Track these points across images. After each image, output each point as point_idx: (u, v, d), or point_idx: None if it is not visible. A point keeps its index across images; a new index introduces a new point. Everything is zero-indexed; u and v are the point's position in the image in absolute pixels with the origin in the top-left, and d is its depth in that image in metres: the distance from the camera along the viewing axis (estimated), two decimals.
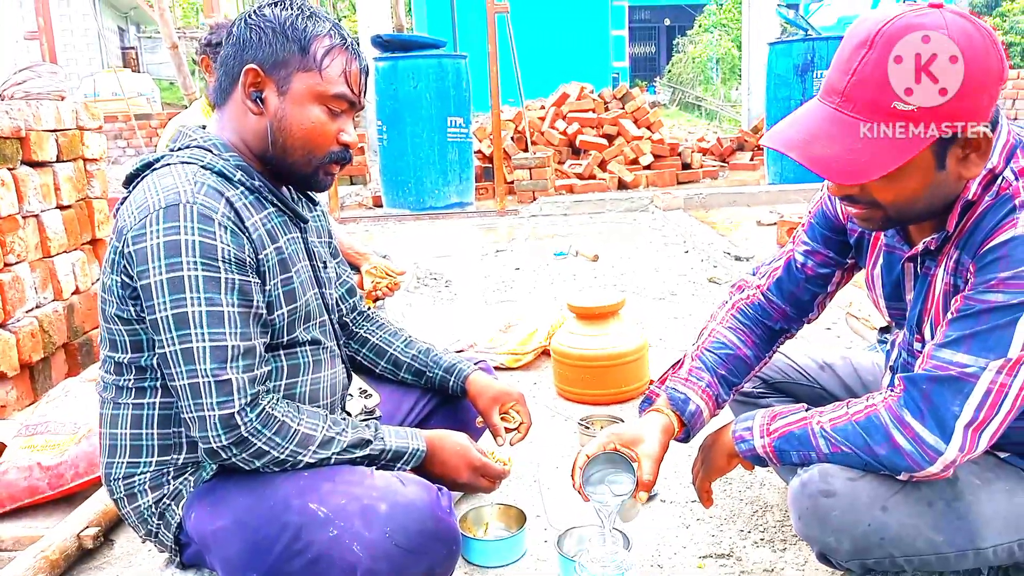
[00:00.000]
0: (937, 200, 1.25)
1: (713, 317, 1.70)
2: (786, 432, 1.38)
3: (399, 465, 1.50)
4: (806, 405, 1.44)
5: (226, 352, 1.32)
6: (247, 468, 1.39)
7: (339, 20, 1.50)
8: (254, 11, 1.44)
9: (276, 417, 1.38)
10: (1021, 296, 1.17)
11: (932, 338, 1.33)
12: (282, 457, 1.38)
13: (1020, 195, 1.21)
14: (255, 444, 1.35)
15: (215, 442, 1.34)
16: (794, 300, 1.63)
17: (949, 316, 1.26)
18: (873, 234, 1.50)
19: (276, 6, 1.44)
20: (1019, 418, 1.24)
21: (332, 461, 1.43)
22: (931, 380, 1.23)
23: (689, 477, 2.10)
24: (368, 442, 1.47)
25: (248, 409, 1.34)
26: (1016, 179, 1.22)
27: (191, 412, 1.34)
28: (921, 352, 1.33)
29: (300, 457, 1.40)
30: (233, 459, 1.36)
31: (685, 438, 1.58)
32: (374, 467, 1.47)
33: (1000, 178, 1.23)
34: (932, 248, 1.33)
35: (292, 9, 1.43)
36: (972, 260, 1.24)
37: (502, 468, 1.60)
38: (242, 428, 1.33)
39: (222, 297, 1.32)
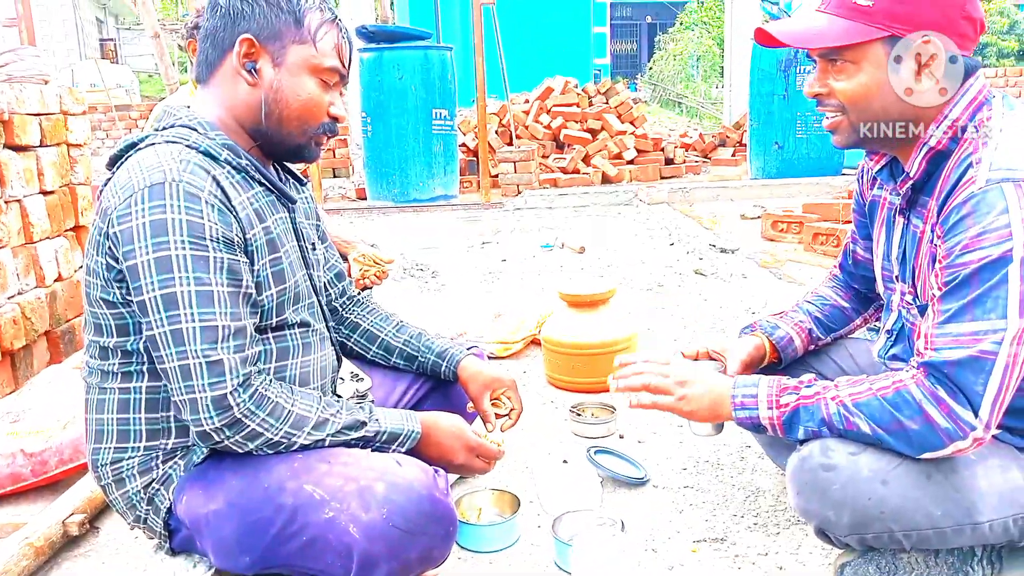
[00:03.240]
0: (893, 112, 1.37)
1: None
2: (799, 406, 1.38)
3: (394, 447, 1.48)
4: (815, 376, 1.44)
5: (216, 332, 1.30)
6: (240, 451, 1.36)
7: None
8: None
9: (270, 398, 1.36)
10: (998, 249, 1.21)
11: (923, 293, 1.41)
12: (276, 439, 1.36)
13: (977, 151, 1.29)
14: (248, 426, 1.33)
15: (207, 424, 1.31)
16: (857, 281, 1.78)
17: (937, 291, 1.29)
18: (882, 197, 1.58)
19: None
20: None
21: (327, 443, 1.41)
22: (951, 364, 1.24)
23: (682, 463, 2.12)
24: (363, 424, 1.45)
25: (241, 390, 1.32)
26: (975, 132, 1.32)
27: (182, 395, 1.31)
28: (915, 305, 1.44)
29: (294, 439, 1.38)
30: (226, 441, 1.34)
31: (780, 364, 1.74)
32: (369, 449, 1.45)
33: (965, 131, 1.33)
34: (902, 192, 1.44)
35: None
36: (938, 221, 1.31)
37: (497, 449, 1.59)
38: (235, 409, 1.31)
39: (211, 276, 1.30)
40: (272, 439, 1.36)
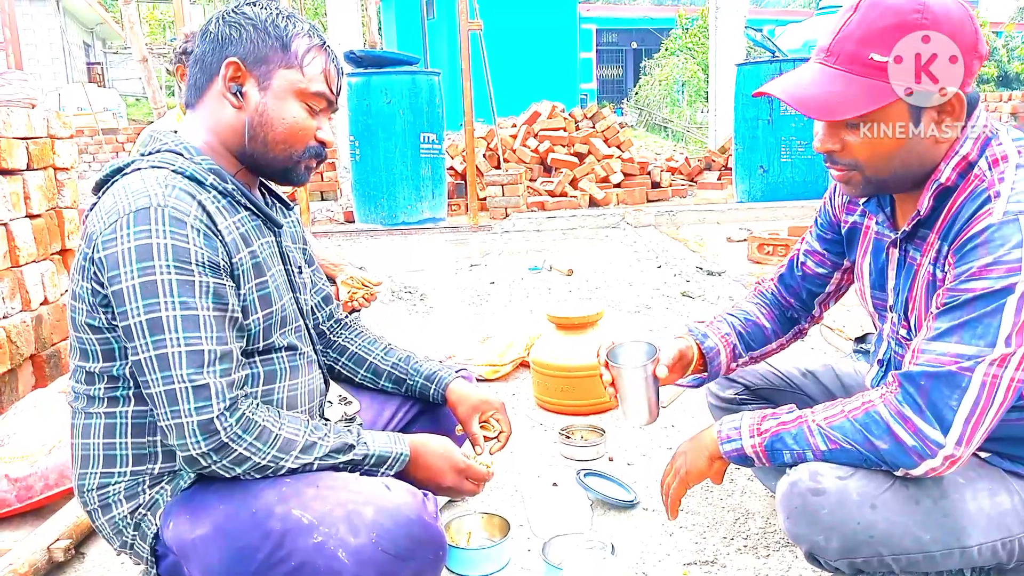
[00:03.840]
0: (913, 163, 1.32)
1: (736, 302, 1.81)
2: (779, 431, 1.39)
3: (383, 470, 1.48)
4: (795, 405, 1.44)
5: (203, 356, 1.29)
6: (227, 475, 1.35)
7: None
8: (232, 9, 1.44)
9: (256, 422, 1.35)
10: (1003, 281, 1.20)
11: (919, 327, 1.37)
12: (263, 463, 1.35)
13: (994, 185, 1.27)
14: (235, 450, 1.32)
15: (194, 449, 1.30)
16: (796, 296, 1.74)
17: (935, 310, 1.29)
18: (864, 224, 1.55)
19: (254, 5, 1.44)
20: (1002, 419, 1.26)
21: (315, 467, 1.40)
22: (928, 376, 1.24)
23: None
24: (351, 447, 1.45)
25: (227, 414, 1.31)
26: (990, 169, 1.29)
27: (168, 419, 1.30)
28: (909, 340, 1.39)
29: (282, 463, 1.37)
30: (213, 466, 1.33)
31: (705, 376, 1.70)
32: (357, 472, 1.44)
33: (975, 167, 1.30)
34: (908, 229, 1.39)
35: (270, 9, 1.44)
36: (951, 250, 1.29)
37: (486, 470, 1.58)
38: (222, 434, 1.30)
39: (196, 300, 1.30)
40: (259, 463, 1.35)
